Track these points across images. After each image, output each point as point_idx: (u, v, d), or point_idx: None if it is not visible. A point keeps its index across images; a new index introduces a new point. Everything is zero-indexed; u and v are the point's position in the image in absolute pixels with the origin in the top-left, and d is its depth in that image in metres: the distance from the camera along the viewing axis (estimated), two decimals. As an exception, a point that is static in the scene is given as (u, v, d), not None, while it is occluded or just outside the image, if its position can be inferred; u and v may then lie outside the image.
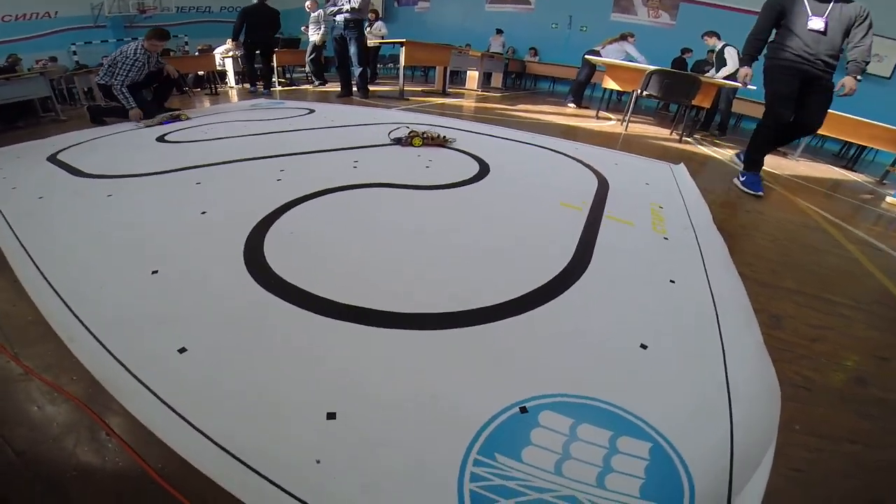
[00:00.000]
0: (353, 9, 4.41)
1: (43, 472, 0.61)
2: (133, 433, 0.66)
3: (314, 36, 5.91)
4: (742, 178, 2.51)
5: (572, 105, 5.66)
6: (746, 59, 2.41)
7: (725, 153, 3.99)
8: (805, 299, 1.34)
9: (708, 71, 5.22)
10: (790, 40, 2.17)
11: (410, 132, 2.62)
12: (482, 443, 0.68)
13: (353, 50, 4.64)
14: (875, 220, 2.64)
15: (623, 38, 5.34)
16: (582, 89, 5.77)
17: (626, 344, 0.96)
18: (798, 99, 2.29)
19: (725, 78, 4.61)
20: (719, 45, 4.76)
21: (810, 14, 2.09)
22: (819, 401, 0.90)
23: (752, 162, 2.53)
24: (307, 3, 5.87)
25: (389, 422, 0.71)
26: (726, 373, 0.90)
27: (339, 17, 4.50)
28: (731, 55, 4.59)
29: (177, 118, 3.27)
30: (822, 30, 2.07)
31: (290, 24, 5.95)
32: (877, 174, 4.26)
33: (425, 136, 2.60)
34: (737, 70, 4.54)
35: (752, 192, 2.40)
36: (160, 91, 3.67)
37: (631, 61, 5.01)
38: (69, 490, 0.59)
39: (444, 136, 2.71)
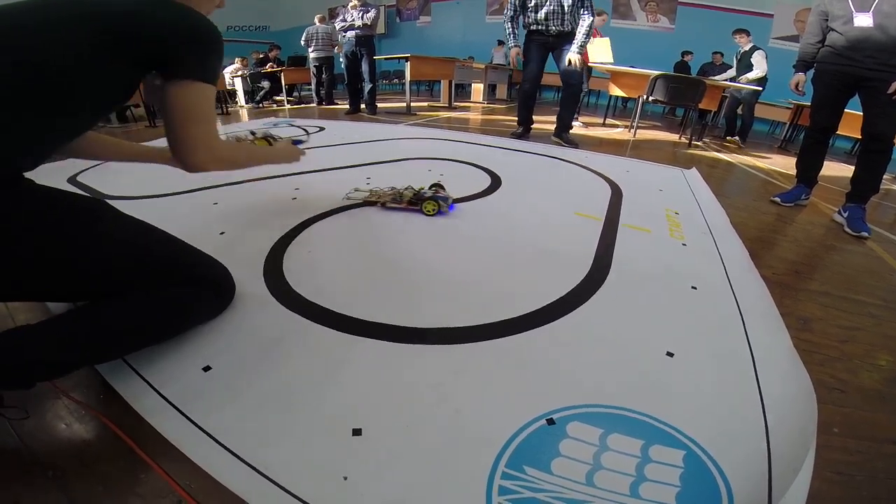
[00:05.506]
0: (364, 25, 4.47)
1: (71, 491, 0.61)
2: (160, 451, 0.67)
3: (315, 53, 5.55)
4: (845, 214, 2.08)
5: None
6: (799, 65, 2.26)
7: (738, 157, 3.96)
8: (832, 300, 1.31)
9: (718, 74, 5.13)
10: (833, 41, 2.03)
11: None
12: (510, 455, 0.67)
13: (364, 67, 4.70)
14: (895, 217, 2.59)
15: None
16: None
17: (651, 352, 0.94)
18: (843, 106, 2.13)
19: (747, 83, 4.45)
20: (748, 45, 4.57)
21: (854, 11, 1.91)
22: (856, 402, 0.88)
23: (801, 176, 2.39)
24: (317, 17, 5.62)
25: (415, 437, 0.71)
26: (757, 377, 0.88)
27: (350, 34, 4.56)
28: (759, 60, 4.39)
29: None
30: (870, 26, 1.88)
31: (297, 43, 6.01)
32: (892, 171, 4.19)
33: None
34: (762, 77, 4.43)
35: (854, 233, 1.96)
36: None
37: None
38: (100, 508, 0.60)
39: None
